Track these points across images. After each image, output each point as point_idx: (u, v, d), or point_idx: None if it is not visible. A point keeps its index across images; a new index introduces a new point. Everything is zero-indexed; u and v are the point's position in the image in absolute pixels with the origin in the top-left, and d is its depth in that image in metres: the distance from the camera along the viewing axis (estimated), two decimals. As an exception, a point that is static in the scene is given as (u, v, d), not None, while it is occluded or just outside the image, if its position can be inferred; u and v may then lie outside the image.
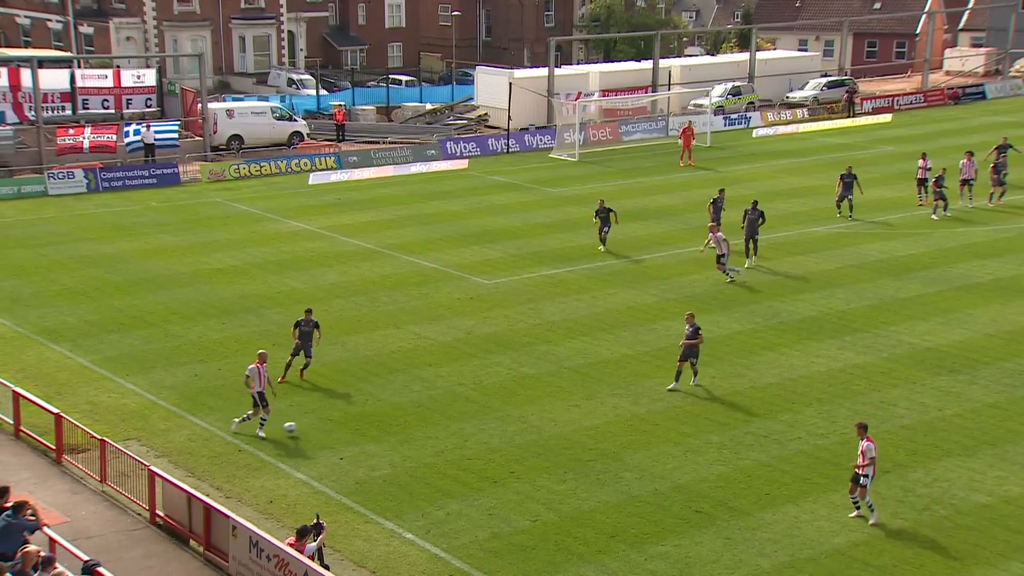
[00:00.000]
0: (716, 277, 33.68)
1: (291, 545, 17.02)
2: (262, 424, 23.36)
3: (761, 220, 34.81)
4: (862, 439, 19.61)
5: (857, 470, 19.59)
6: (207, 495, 19.92)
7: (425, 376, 26.68)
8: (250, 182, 49.82)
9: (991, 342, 28.31)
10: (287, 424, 23.21)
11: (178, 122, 54.95)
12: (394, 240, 39.03)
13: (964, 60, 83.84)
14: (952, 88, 71.29)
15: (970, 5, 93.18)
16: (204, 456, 22.66)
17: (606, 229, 36.43)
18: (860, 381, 26.05)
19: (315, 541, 17.14)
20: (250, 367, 23.20)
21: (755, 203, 35.27)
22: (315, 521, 17.53)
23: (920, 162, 42.30)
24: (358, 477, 21.68)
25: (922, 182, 41.96)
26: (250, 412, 23.42)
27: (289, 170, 51.50)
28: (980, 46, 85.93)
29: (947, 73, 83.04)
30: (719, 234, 32.84)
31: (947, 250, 36.42)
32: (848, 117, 63.82)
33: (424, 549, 19.09)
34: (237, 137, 56.04)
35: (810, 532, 19.48)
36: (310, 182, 49.45)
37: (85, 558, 16.52)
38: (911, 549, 18.92)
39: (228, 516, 18.39)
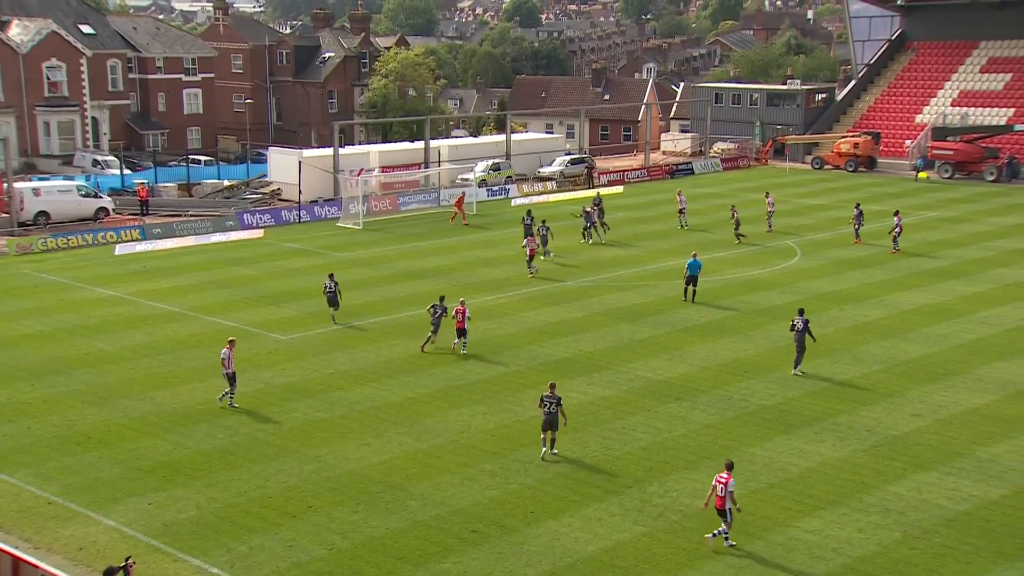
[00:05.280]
0: (485, 327, 34.03)
1: (101, 589, 15.87)
2: None
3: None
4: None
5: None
6: (15, 547, 18.32)
7: (228, 424, 25.63)
8: (58, 254, 46.78)
9: (707, 373, 29.85)
10: None
11: (-16, 199, 51.18)
12: (197, 303, 37.48)
13: (676, 142, 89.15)
14: (668, 165, 75.45)
15: (678, 99, 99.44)
16: (12, 510, 20.88)
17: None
18: (606, 411, 26.87)
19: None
20: None
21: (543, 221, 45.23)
22: (123, 563, 16.40)
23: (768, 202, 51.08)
24: (166, 520, 20.52)
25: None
26: None
27: (96, 242, 48.67)
28: (687, 131, 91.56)
29: (664, 152, 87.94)
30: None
31: (670, 298, 38.23)
32: (588, 188, 66.31)
33: (229, 583, 18.24)
34: (44, 213, 52.61)
35: (568, 542, 19.83)
36: (116, 252, 46.87)
37: None
38: (649, 550, 19.58)
39: (36, 566, 16.96)
